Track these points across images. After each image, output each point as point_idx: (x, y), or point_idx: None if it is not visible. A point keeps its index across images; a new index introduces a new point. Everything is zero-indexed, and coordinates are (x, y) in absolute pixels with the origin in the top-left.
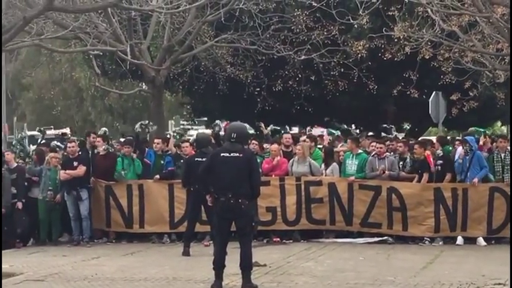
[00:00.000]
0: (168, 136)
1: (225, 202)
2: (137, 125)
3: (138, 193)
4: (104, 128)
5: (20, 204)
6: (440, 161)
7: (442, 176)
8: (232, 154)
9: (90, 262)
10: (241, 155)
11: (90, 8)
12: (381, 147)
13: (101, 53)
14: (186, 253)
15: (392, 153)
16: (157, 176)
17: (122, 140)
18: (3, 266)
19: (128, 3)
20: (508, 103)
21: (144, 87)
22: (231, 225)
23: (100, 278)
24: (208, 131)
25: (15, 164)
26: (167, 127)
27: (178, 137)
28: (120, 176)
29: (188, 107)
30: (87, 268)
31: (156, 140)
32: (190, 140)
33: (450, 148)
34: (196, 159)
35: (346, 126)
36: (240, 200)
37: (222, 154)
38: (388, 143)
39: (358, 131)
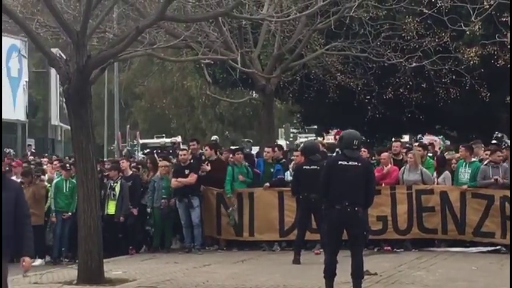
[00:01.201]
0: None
1: (341, 210)
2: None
3: (249, 201)
4: (214, 136)
5: (135, 211)
6: None
7: None
8: (350, 162)
9: (202, 269)
10: (359, 164)
11: (202, 18)
12: (499, 156)
13: (212, 62)
14: (296, 261)
15: (506, 161)
16: (267, 184)
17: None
18: (117, 272)
19: (239, 12)
20: None
21: (254, 95)
22: (343, 233)
23: (211, 285)
24: (319, 139)
25: (130, 172)
26: (277, 135)
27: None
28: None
29: (298, 115)
30: (199, 275)
31: (266, 149)
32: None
33: None
34: (304, 167)
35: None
36: (356, 208)
37: (340, 162)
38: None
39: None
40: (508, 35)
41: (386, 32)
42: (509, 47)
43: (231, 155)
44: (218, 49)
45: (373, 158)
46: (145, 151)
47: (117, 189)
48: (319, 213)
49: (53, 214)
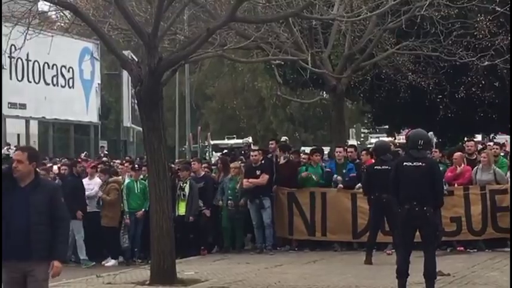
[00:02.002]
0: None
1: (410, 210)
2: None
3: (321, 201)
4: (284, 137)
5: (207, 212)
6: None
7: None
8: (414, 163)
9: (273, 270)
10: (423, 164)
11: (272, 18)
12: None
13: (283, 63)
14: (368, 261)
15: None
16: (341, 186)
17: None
18: (189, 273)
19: (309, 13)
20: None
21: (325, 95)
22: (415, 234)
23: (283, 286)
24: (390, 139)
25: (203, 173)
26: (348, 135)
27: None
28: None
29: (369, 115)
30: (270, 276)
31: (337, 149)
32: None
33: None
34: (375, 167)
35: None
36: (425, 208)
37: (404, 163)
38: None
39: None
40: None
41: (458, 31)
42: None
43: (302, 156)
44: (288, 50)
45: (444, 158)
46: (223, 152)
47: (187, 189)
48: (391, 214)
49: (126, 216)
